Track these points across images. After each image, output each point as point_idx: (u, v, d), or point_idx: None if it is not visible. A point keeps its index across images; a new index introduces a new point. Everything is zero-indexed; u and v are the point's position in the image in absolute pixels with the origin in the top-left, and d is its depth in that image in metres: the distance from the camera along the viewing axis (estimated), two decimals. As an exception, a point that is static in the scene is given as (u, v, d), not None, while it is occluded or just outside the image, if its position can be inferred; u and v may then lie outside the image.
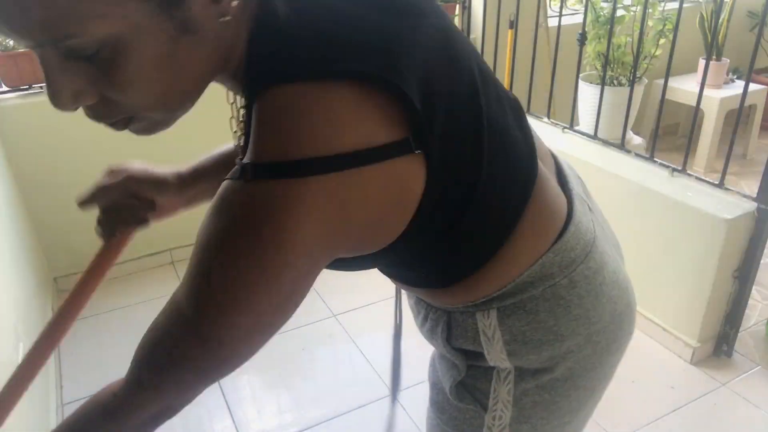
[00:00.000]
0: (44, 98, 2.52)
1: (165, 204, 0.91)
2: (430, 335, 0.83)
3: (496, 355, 0.75)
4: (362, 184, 0.55)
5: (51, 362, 2.03)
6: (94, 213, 2.54)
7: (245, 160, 0.56)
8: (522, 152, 0.71)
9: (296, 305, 0.62)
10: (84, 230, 2.45)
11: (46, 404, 1.77)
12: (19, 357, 1.58)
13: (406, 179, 0.58)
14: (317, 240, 0.56)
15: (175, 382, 0.64)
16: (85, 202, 0.91)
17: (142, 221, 0.90)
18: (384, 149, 0.56)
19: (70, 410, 1.88)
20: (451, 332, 0.78)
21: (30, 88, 2.24)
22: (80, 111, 0.62)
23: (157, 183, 0.91)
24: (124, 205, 0.89)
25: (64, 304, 0.85)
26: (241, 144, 0.60)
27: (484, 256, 0.70)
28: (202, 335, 0.57)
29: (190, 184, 0.94)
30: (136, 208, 0.89)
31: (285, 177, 0.53)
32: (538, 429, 0.80)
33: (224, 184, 0.57)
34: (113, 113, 0.60)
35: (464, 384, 0.80)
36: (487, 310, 0.73)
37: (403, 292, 0.84)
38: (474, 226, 0.67)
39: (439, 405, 0.85)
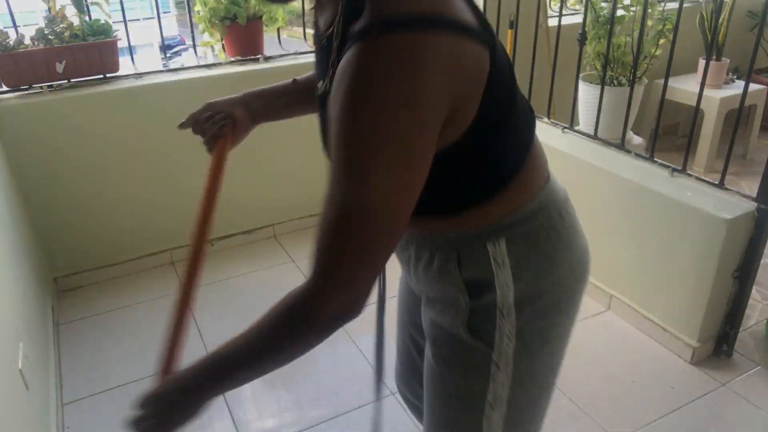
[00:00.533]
0: (43, 98, 2.52)
1: (239, 115, 1.09)
2: (439, 273, 0.88)
3: (504, 281, 0.83)
4: (466, 50, 0.66)
5: (51, 362, 2.02)
6: (92, 213, 2.55)
7: (362, 24, 0.65)
8: (527, 103, 0.86)
9: (426, 170, 0.68)
10: (83, 230, 2.46)
11: (46, 404, 1.77)
12: (20, 357, 1.58)
13: (484, 63, 0.69)
14: (440, 96, 0.65)
15: (352, 260, 0.68)
16: (182, 125, 1.09)
17: (223, 128, 1.06)
18: (478, 32, 0.68)
19: (70, 410, 1.88)
20: (462, 263, 0.85)
21: (30, 88, 2.24)
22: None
23: (228, 101, 1.10)
24: (208, 122, 1.07)
25: (199, 220, 1.04)
26: (335, 29, 0.71)
27: (501, 181, 0.81)
28: (356, 206, 0.65)
29: (256, 98, 1.12)
30: (216, 122, 1.06)
31: (415, 29, 0.62)
32: (537, 357, 0.90)
33: (350, 51, 0.64)
34: None
35: (471, 328, 0.87)
36: (498, 239, 0.83)
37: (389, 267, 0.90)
38: (503, 145, 0.79)
39: (444, 358, 0.92)
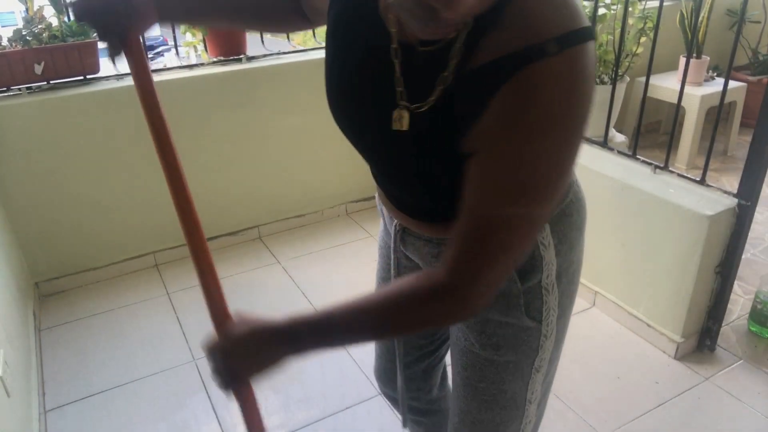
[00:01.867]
0: (22, 100, 2.48)
1: (141, 7, 0.90)
2: (514, 296, 0.91)
3: (549, 260, 0.88)
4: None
5: (32, 368, 1.99)
6: (74, 216, 2.51)
7: (528, 43, 0.63)
8: None
9: None
10: (64, 235, 2.42)
11: (28, 411, 1.74)
12: (0, 363, 1.55)
13: None
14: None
15: (501, 272, 0.73)
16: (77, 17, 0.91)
17: (129, 24, 0.89)
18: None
19: (53, 417, 1.85)
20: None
21: (8, 90, 2.21)
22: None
23: None
24: (109, 15, 0.88)
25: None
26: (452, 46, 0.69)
27: None
28: (536, 220, 0.70)
29: None
30: (119, 14, 0.87)
31: (586, 41, 0.64)
32: (568, 316, 0.97)
33: (525, 74, 0.63)
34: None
35: (525, 310, 0.91)
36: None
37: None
38: None
39: (494, 345, 0.95)
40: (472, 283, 0.71)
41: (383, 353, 1.25)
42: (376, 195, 1.10)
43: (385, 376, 1.27)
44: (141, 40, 0.90)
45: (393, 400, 1.31)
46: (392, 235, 1.01)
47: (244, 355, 0.78)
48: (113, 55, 0.91)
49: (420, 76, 0.73)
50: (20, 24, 2.22)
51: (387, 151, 0.82)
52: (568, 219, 0.89)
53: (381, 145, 0.81)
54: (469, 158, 0.70)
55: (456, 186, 0.73)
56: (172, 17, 1.01)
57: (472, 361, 0.98)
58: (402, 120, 0.75)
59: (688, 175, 2.00)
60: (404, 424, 1.28)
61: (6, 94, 2.21)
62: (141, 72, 0.90)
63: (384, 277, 1.17)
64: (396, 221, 0.98)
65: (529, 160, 0.65)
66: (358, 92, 0.81)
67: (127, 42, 0.89)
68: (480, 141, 0.68)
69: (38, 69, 2.19)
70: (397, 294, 0.75)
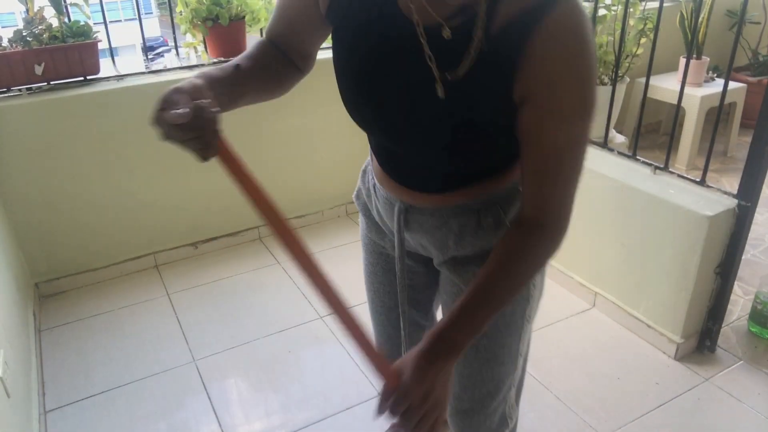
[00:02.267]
0: (22, 101, 2.48)
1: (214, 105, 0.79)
2: (492, 232, 1.01)
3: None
4: None
5: (32, 369, 1.99)
6: (74, 217, 2.51)
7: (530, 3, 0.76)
8: None
9: None
10: (65, 234, 2.42)
11: (28, 412, 1.74)
12: (0, 364, 1.55)
13: None
14: None
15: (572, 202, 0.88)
16: (160, 137, 0.77)
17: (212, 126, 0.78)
18: None
19: (53, 418, 1.86)
20: (507, 213, 1.00)
21: (8, 90, 2.21)
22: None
23: (195, 87, 0.78)
24: (193, 126, 0.75)
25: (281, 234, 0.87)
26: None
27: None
28: (582, 162, 0.85)
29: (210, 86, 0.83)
30: (202, 119, 0.75)
31: None
32: (545, 270, 1.08)
33: (550, 19, 0.75)
34: None
35: None
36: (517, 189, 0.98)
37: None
38: None
39: (503, 330, 1.06)
40: (560, 210, 0.86)
41: (385, 341, 1.29)
42: (357, 191, 1.18)
43: (389, 355, 1.30)
44: (226, 143, 0.81)
45: None
46: (395, 218, 1.06)
47: (428, 392, 0.83)
48: (208, 157, 0.81)
49: (448, 51, 0.82)
50: (20, 25, 2.22)
51: (416, 127, 0.89)
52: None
53: (411, 121, 0.89)
54: (518, 108, 0.81)
55: (481, 149, 0.88)
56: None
57: (479, 353, 1.06)
58: (438, 91, 0.84)
59: (688, 176, 2.00)
60: None
61: (6, 94, 2.21)
62: (240, 170, 0.85)
63: (373, 271, 1.24)
64: (398, 204, 1.05)
65: (576, 83, 0.78)
66: (384, 78, 0.88)
67: (218, 146, 0.81)
68: (529, 85, 0.78)
69: (38, 70, 2.19)
70: (509, 256, 0.87)
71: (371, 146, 1.07)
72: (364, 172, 1.17)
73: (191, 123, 0.72)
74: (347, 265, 2.63)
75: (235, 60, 0.94)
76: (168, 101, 0.73)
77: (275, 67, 1.00)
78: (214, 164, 0.83)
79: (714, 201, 1.87)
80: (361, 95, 0.92)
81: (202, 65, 2.56)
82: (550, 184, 0.84)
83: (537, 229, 0.86)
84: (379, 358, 0.88)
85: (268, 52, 0.99)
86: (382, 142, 1.00)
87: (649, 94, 2.35)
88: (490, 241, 1.01)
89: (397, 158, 1.01)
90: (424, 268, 1.19)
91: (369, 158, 1.14)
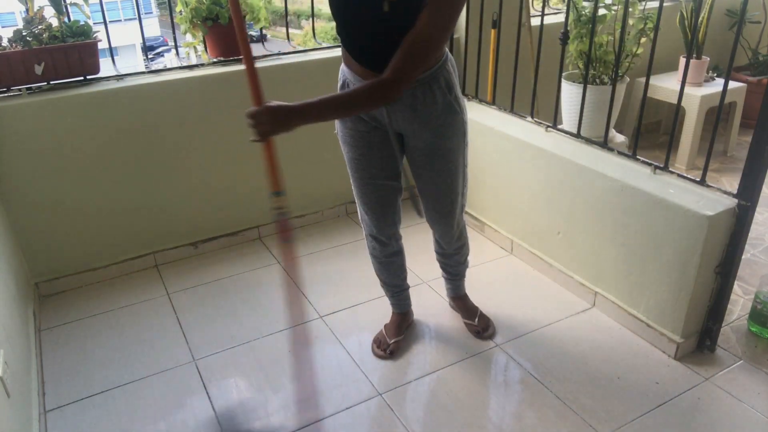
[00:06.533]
0: (22, 101, 2.48)
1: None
2: (445, 92, 1.64)
3: (457, 79, 1.71)
4: None
5: (32, 368, 2.00)
6: (74, 217, 2.52)
7: None
8: None
9: None
10: (65, 234, 2.42)
11: (28, 412, 1.74)
12: (0, 364, 1.55)
13: None
14: None
15: (419, 69, 1.49)
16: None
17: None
18: None
19: (53, 417, 1.86)
20: (447, 80, 1.65)
21: (8, 90, 2.21)
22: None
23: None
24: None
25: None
26: None
27: None
28: (441, 40, 1.45)
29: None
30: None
31: None
32: (466, 110, 1.77)
33: None
34: None
35: (459, 106, 1.71)
36: (451, 63, 1.68)
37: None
38: None
39: (448, 136, 1.71)
40: (404, 76, 1.40)
41: (374, 201, 1.86)
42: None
43: (384, 223, 1.91)
44: None
45: (387, 236, 1.97)
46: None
47: (271, 119, 1.40)
48: None
49: None
50: (20, 24, 2.22)
51: (377, 26, 1.46)
52: (450, 65, 1.66)
53: (374, 23, 1.47)
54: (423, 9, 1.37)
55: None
56: None
57: (436, 153, 1.72)
58: (384, 4, 1.42)
59: (688, 176, 2.00)
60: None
61: (6, 94, 2.21)
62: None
63: (362, 153, 1.77)
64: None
65: (447, 5, 1.35)
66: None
67: None
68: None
69: (38, 69, 2.19)
70: (362, 86, 1.45)
71: (349, 49, 1.58)
72: (343, 86, 1.69)
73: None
74: (347, 264, 2.64)
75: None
76: None
77: None
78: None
79: (714, 201, 1.87)
80: (339, 8, 1.51)
81: (202, 65, 2.56)
82: (409, 57, 1.39)
83: (387, 80, 1.39)
84: (258, 90, 1.44)
85: None
86: (355, 36, 1.54)
87: (649, 94, 2.35)
88: (444, 98, 1.63)
89: (364, 48, 1.54)
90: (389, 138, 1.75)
91: (342, 76, 1.68)
